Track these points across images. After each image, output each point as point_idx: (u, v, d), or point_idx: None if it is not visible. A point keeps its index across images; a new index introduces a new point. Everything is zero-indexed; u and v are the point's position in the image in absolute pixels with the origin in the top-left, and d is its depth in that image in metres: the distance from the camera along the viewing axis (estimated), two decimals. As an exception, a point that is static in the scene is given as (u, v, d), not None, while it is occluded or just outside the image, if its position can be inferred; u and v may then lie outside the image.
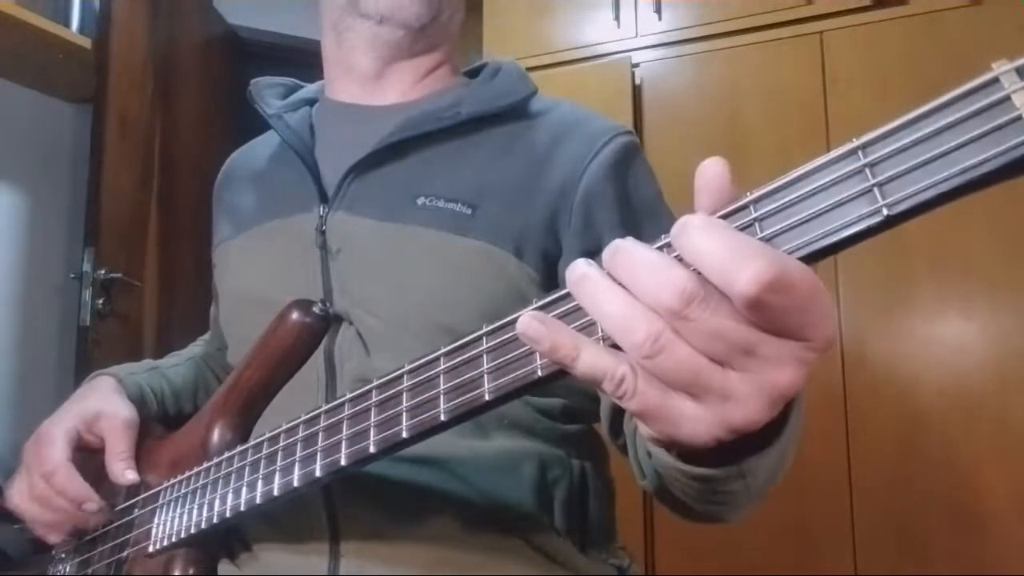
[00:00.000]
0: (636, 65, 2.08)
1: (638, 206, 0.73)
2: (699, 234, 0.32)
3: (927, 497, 1.67)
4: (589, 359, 0.35)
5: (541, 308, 0.40)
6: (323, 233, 0.73)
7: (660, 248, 0.36)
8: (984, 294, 1.67)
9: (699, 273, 0.33)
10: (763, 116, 1.91)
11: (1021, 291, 1.64)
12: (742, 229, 0.35)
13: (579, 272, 0.35)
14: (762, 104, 1.92)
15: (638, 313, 0.33)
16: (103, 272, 1.95)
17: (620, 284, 0.34)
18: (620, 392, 0.35)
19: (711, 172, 0.35)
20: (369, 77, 0.81)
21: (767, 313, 0.31)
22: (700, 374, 0.33)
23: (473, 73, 0.86)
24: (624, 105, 2.03)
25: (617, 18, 2.11)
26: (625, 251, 0.34)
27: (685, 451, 0.41)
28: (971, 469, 1.65)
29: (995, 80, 0.30)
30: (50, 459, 0.70)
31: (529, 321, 0.36)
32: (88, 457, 0.72)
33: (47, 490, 0.70)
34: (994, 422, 1.64)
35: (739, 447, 0.40)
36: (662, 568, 1.85)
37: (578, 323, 0.38)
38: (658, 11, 2.07)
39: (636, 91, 2.06)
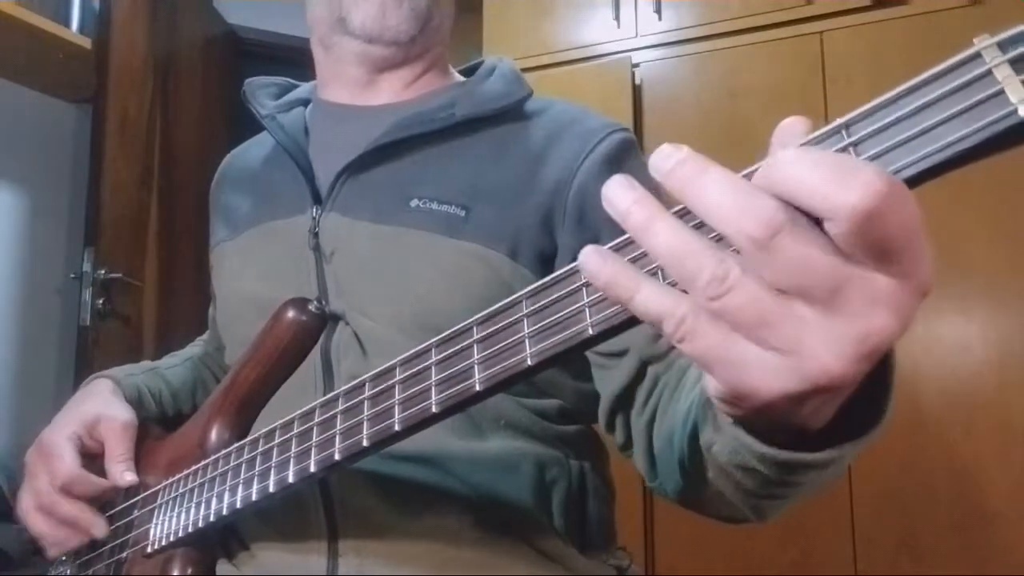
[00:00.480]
0: (636, 65, 2.08)
1: None
2: (795, 160, 0.29)
3: (927, 497, 1.67)
4: (647, 296, 0.32)
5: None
6: (316, 235, 0.73)
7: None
8: (984, 294, 1.67)
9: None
10: (763, 116, 1.91)
11: (1021, 291, 1.64)
12: None
13: (623, 202, 0.32)
14: (762, 104, 1.92)
15: (703, 246, 0.30)
16: (103, 272, 1.95)
17: (682, 215, 0.32)
18: (680, 333, 0.31)
19: (793, 129, 0.33)
20: (360, 84, 0.80)
21: (874, 236, 0.28)
22: (769, 314, 0.30)
23: (468, 71, 0.86)
24: (624, 105, 2.03)
25: (617, 18, 2.11)
26: (690, 173, 0.31)
27: (763, 428, 0.37)
28: (971, 469, 1.65)
29: (977, 55, 0.29)
30: (62, 471, 0.69)
31: (589, 254, 0.34)
32: (88, 461, 0.72)
33: (59, 502, 0.70)
34: (994, 422, 1.64)
35: (825, 431, 0.36)
36: (662, 568, 1.85)
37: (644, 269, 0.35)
38: (658, 11, 2.07)
39: (636, 91, 2.06)
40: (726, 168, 0.31)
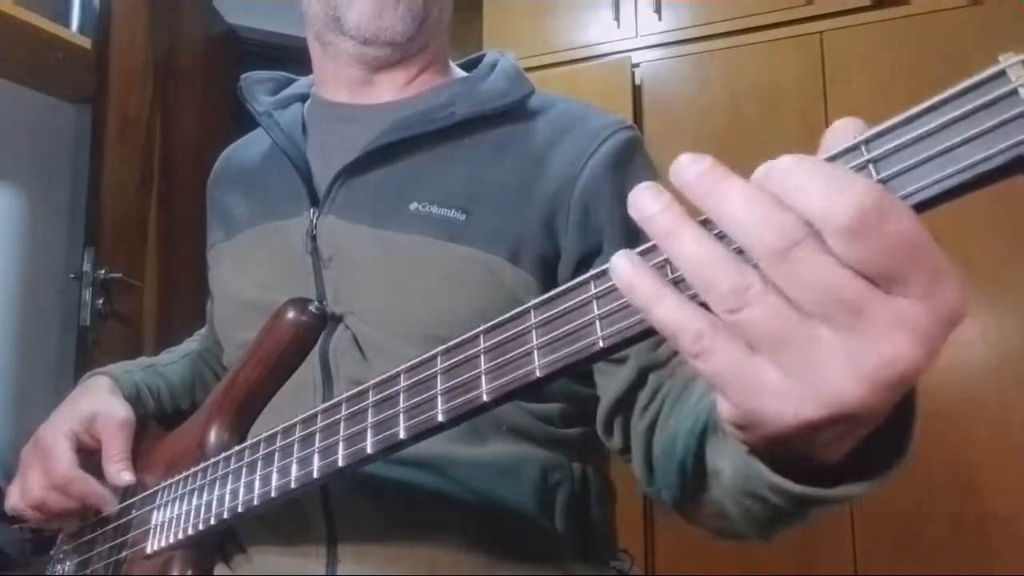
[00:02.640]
0: (636, 65, 2.08)
1: None
2: (795, 171, 0.29)
3: (927, 497, 1.67)
4: (668, 307, 0.31)
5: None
6: (314, 239, 0.71)
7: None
8: (984, 294, 1.67)
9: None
10: (763, 116, 1.91)
11: (1021, 291, 1.64)
12: None
13: (650, 208, 0.32)
14: (762, 104, 1.92)
15: (724, 257, 0.29)
16: (103, 272, 1.95)
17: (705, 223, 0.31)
18: (696, 348, 0.31)
19: (846, 129, 0.31)
20: (358, 82, 0.79)
21: (871, 252, 0.27)
22: (788, 334, 0.28)
23: (469, 64, 0.84)
24: (624, 105, 2.03)
25: (617, 18, 2.11)
26: (710, 183, 0.30)
27: (777, 456, 0.35)
28: (971, 469, 1.65)
29: (1002, 73, 0.29)
30: (59, 471, 0.69)
31: (619, 256, 0.33)
32: (85, 459, 0.72)
33: (56, 497, 0.70)
34: (994, 422, 1.64)
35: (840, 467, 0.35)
36: (662, 569, 1.85)
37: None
38: (658, 11, 2.07)
39: (636, 91, 2.06)
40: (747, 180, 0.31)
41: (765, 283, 0.29)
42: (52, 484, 0.70)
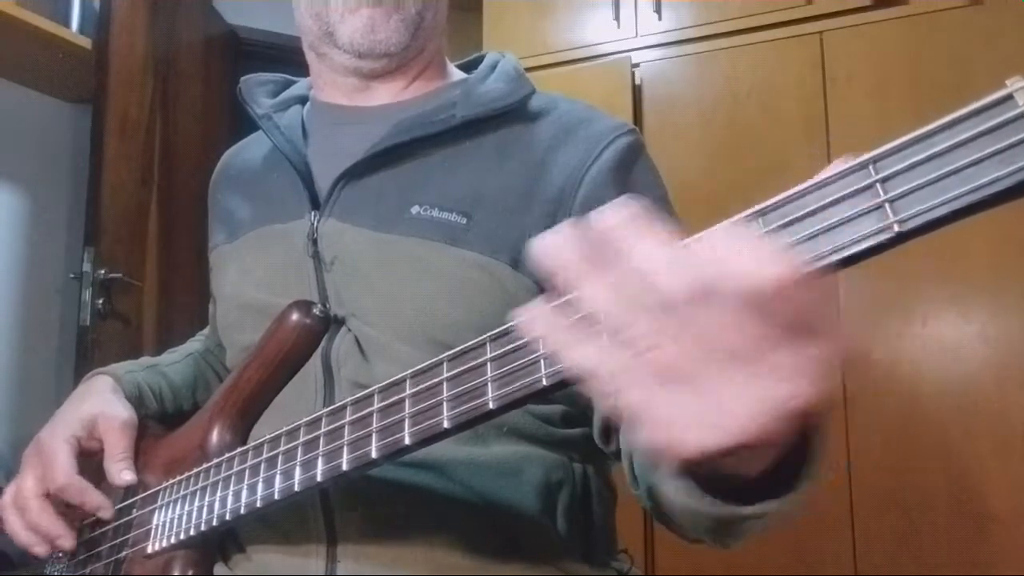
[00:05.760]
0: (636, 65, 2.08)
1: None
2: (721, 234, 0.32)
3: (927, 497, 1.67)
4: (583, 350, 0.33)
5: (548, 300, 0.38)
6: (315, 242, 0.71)
7: None
8: (984, 294, 1.67)
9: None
10: (763, 116, 1.91)
11: (1021, 291, 1.64)
12: None
13: (562, 255, 0.34)
14: (762, 104, 1.92)
15: (636, 303, 0.32)
16: (103, 272, 1.95)
17: (623, 271, 0.33)
18: (611, 388, 0.33)
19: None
20: (356, 88, 0.79)
21: (785, 308, 0.30)
22: (695, 374, 0.31)
23: (469, 65, 0.84)
24: (624, 105, 2.03)
25: (617, 18, 2.11)
26: (629, 232, 0.32)
27: (704, 480, 0.40)
28: (971, 469, 1.65)
29: (1009, 97, 0.29)
30: (58, 477, 0.69)
31: (526, 310, 0.36)
32: (87, 460, 0.72)
33: (32, 507, 0.70)
34: (994, 422, 1.64)
35: (759, 485, 0.39)
36: (662, 569, 1.85)
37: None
38: (658, 11, 2.07)
39: (636, 91, 2.06)
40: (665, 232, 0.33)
41: (678, 326, 0.31)
42: (48, 489, 0.70)
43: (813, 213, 0.33)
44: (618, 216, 0.32)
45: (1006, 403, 1.63)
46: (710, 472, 0.38)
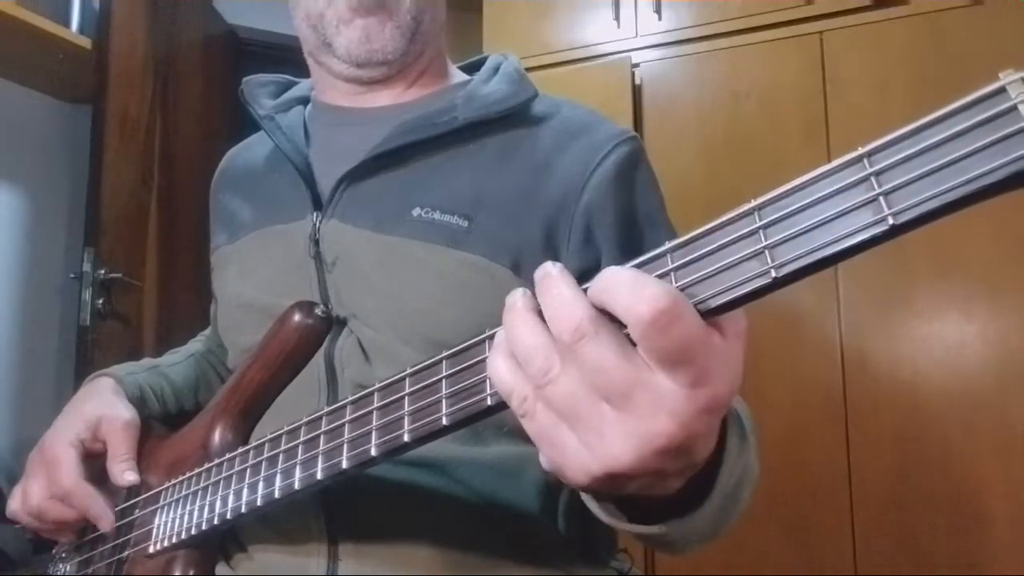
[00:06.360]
0: (636, 65, 2.08)
1: (639, 220, 0.71)
2: (611, 273, 0.35)
3: (927, 497, 1.67)
4: (504, 371, 0.38)
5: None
6: (317, 242, 0.71)
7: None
8: (984, 294, 1.67)
9: (604, 312, 0.35)
10: (763, 116, 1.91)
11: (1021, 291, 1.64)
12: (746, 237, 0.35)
13: (510, 299, 0.38)
14: (762, 104, 1.92)
15: (540, 343, 0.36)
16: (103, 272, 1.95)
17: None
18: (521, 411, 0.37)
19: None
20: (357, 92, 0.79)
21: (659, 343, 0.33)
22: (580, 408, 0.35)
23: (471, 67, 0.84)
24: (624, 105, 2.03)
25: (617, 18, 2.11)
26: (545, 281, 0.37)
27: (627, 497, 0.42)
28: (971, 469, 1.65)
29: (1002, 90, 0.29)
30: (62, 482, 0.69)
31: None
32: (91, 462, 0.72)
33: (56, 508, 0.70)
34: (994, 422, 1.64)
35: (665, 504, 0.42)
36: (662, 568, 1.85)
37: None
38: (658, 11, 2.07)
39: (636, 91, 2.06)
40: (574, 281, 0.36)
41: (564, 366, 0.35)
42: (54, 494, 0.70)
43: (808, 207, 0.33)
44: (543, 271, 0.37)
45: (1006, 403, 1.63)
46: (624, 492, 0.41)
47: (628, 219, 0.70)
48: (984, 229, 1.67)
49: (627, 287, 0.34)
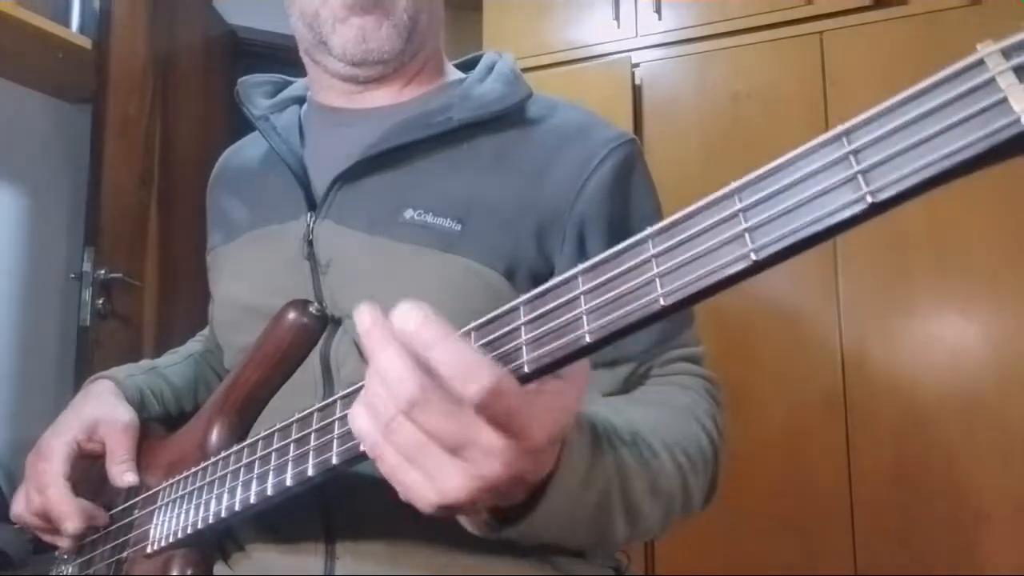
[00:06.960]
0: (636, 65, 2.08)
1: (633, 227, 0.70)
2: (440, 347, 0.39)
3: (927, 497, 1.67)
4: (359, 416, 0.42)
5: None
6: (311, 243, 0.71)
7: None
8: (984, 294, 1.67)
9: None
10: (763, 116, 1.91)
11: (1021, 291, 1.64)
12: (727, 220, 0.35)
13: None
14: (762, 104, 1.92)
15: (385, 397, 0.41)
16: (103, 272, 1.95)
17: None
18: (373, 453, 0.42)
19: None
20: (352, 92, 0.79)
21: (491, 411, 0.38)
22: (420, 454, 0.41)
23: (467, 64, 0.84)
24: (624, 105, 2.03)
25: (617, 18, 2.11)
26: (381, 342, 0.41)
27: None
28: (971, 469, 1.65)
29: (980, 62, 0.29)
30: (46, 474, 0.69)
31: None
32: (90, 463, 0.72)
33: (44, 503, 0.70)
34: (994, 422, 1.64)
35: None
36: (662, 568, 1.85)
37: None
38: (658, 11, 2.07)
39: (636, 91, 2.06)
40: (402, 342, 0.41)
41: (405, 417, 0.40)
42: (37, 487, 0.70)
43: (789, 187, 0.33)
44: (373, 320, 0.41)
45: (1006, 403, 1.63)
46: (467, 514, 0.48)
47: (622, 226, 0.69)
48: (984, 229, 1.67)
49: (460, 370, 0.38)
